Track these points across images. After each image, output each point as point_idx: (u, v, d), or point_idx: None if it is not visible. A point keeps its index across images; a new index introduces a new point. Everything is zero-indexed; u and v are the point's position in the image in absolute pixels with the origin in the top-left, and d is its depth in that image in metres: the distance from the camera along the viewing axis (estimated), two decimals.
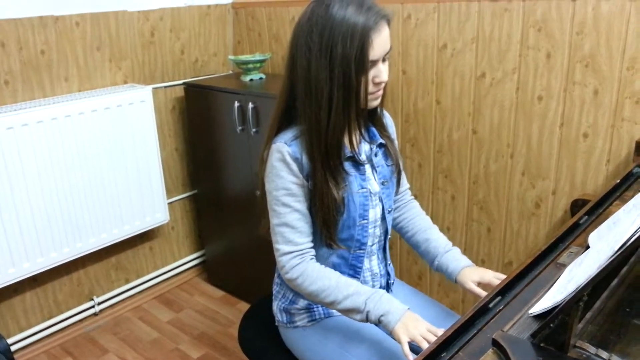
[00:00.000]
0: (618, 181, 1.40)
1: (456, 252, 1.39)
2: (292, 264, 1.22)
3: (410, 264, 2.36)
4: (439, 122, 2.08)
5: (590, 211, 1.26)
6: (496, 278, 1.29)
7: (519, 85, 1.83)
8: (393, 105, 2.18)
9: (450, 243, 1.42)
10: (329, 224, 1.23)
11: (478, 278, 1.30)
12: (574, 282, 0.79)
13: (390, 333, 1.13)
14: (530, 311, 0.83)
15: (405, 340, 1.09)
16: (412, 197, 1.53)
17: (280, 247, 1.23)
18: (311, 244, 1.25)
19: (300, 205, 1.22)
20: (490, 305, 0.91)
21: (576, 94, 1.72)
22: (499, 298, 0.93)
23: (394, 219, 1.50)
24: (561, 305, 0.73)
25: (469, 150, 2.03)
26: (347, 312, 1.19)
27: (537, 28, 1.74)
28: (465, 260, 1.36)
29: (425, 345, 1.05)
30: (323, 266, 1.24)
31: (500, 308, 0.91)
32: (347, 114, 1.17)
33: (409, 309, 1.15)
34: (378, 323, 1.15)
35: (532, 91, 1.81)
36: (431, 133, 2.11)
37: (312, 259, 1.24)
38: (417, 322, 1.12)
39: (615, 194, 1.36)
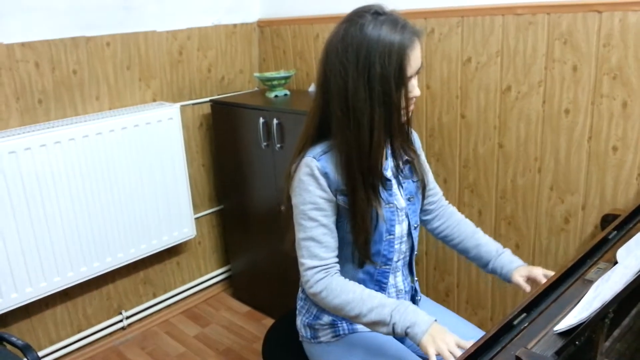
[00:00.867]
0: None
1: (509, 253, 1.42)
2: (317, 278, 1.21)
3: (437, 281, 2.33)
4: (464, 137, 2.06)
5: (619, 226, 1.23)
6: (545, 276, 1.30)
7: (545, 98, 1.81)
8: (418, 120, 2.17)
9: (500, 245, 1.44)
10: (368, 241, 1.24)
11: (526, 272, 1.33)
12: (599, 298, 0.77)
13: (418, 345, 1.12)
14: (555, 328, 0.81)
15: (433, 354, 1.08)
16: (448, 202, 1.53)
17: (305, 261, 1.23)
18: (336, 259, 1.25)
19: (327, 220, 1.22)
20: (515, 322, 0.90)
21: (604, 106, 1.69)
22: (524, 315, 0.92)
23: (436, 228, 1.50)
24: (586, 322, 0.71)
25: (495, 165, 2.01)
26: (372, 324, 1.17)
27: (563, 41, 1.72)
28: (518, 261, 1.39)
29: (450, 358, 1.04)
30: (347, 280, 1.23)
31: (525, 325, 0.89)
32: (389, 131, 1.19)
33: (436, 320, 1.14)
34: (405, 335, 1.13)
35: (558, 104, 1.79)
36: (456, 147, 2.10)
37: (336, 273, 1.24)
38: (445, 335, 1.10)
39: None
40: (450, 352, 1.06)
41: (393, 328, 1.14)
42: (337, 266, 1.25)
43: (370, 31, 1.12)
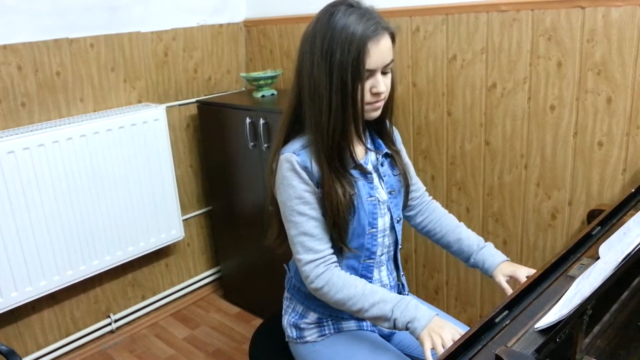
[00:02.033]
0: (633, 190, 1.37)
1: (490, 247, 1.40)
2: (317, 273, 1.21)
3: (427, 279, 2.33)
4: (450, 134, 2.06)
5: (603, 221, 1.23)
6: (526, 276, 1.28)
7: (531, 94, 1.81)
8: (404, 118, 2.17)
9: (482, 239, 1.42)
10: (339, 226, 1.23)
11: (510, 272, 1.31)
12: (579, 295, 0.76)
13: (417, 339, 1.13)
14: (535, 326, 0.81)
15: (427, 348, 1.10)
16: (431, 198, 1.52)
17: (301, 256, 1.22)
18: (331, 250, 1.25)
19: (316, 212, 1.22)
20: (497, 319, 0.89)
21: (589, 102, 1.69)
22: (506, 312, 0.91)
23: (419, 223, 1.50)
24: (565, 319, 0.71)
25: (482, 162, 2.01)
26: (374, 319, 1.19)
27: (547, 37, 1.72)
28: (500, 256, 1.37)
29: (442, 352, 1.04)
30: (348, 274, 1.23)
31: (507, 322, 0.88)
32: (345, 118, 1.18)
33: (437, 315, 1.14)
34: (406, 329, 1.15)
35: (544, 100, 1.79)
36: (443, 145, 2.09)
37: (336, 266, 1.24)
38: (442, 329, 1.11)
39: (630, 203, 1.32)
40: (444, 347, 1.07)
41: (394, 323, 1.15)
42: (334, 257, 1.25)
43: (337, 19, 1.13)
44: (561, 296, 0.88)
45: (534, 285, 0.99)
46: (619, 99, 1.63)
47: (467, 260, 1.42)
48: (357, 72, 1.13)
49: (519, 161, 1.90)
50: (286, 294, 1.42)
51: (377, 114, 1.24)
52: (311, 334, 1.34)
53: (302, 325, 1.35)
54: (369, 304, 1.17)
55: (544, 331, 0.80)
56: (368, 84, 1.17)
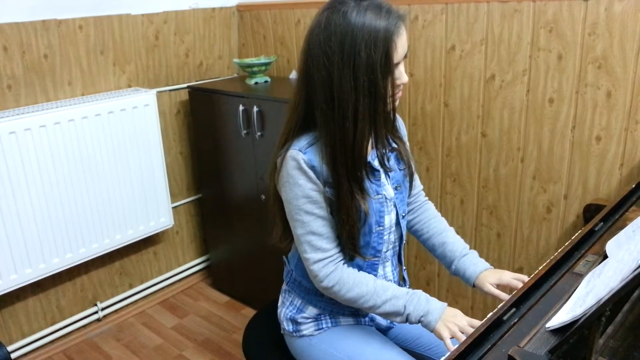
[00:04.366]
0: (633, 186, 1.36)
1: (473, 255, 1.36)
2: (326, 272, 1.19)
3: (419, 269, 2.32)
4: (447, 125, 2.04)
5: (605, 217, 1.22)
6: (515, 279, 1.26)
7: (530, 87, 1.79)
8: (400, 108, 2.14)
9: (467, 246, 1.39)
10: (354, 236, 1.20)
11: (496, 280, 1.28)
12: (593, 294, 0.75)
13: (433, 332, 1.16)
14: (547, 325, 0.79)
15: (447, 337, 1.12)
16: (427, 198, 1.49)
17: (309, 256, 1.20)
18: (339, 248, 1.22)
19: (323, 211, 1.19)
20: (505, 317, 0.88)
21: (588, 96, 1.68)
22: (513, 310, 0.89)
23: (408, 222, 1.47)
24: (581, 321, 0.69)
25: (478, 154, 1.99)
26: (386, 315, 1.21)
27: (548, 29, 1.71)
28: (482, 264, 1.33)
29: (463, 338, 1.02)
30: (356, 270, 1.22)
31: (515, 321, 0.87)
32: (374, 122, 1.14)
33: (447, 305, 1.17)
34: (419, 323, 1.17)
35: (542, 93, 1.77)
36: (439, 136, 2.07)
37: (344, 264, 1.22)
38: (456, 318, 1.14)
39: (631, 199, 1.31)
40: (463, 333, 1.11)
41: (407, 318, 1.17)
42: (342, 255, 1.23)
43: (354, 18, 1.07)
44: (570, 294, 0.87)
45: (540, 282, 0.98)
46: (619, 93, 1.62)
47: (449, 266, 1.39)
48: (387, 69, 1.09)
49: (516, 154, 1.89)
50: (285, 287, 1.39)
51: (396, 103, 1.22)
52: (308, 328, 1.32)
53: (300, 320, 1.33)
54: (381, 300, 1.18)
55: (555, 331, 0.78)
56: (394, 78, 1.13)
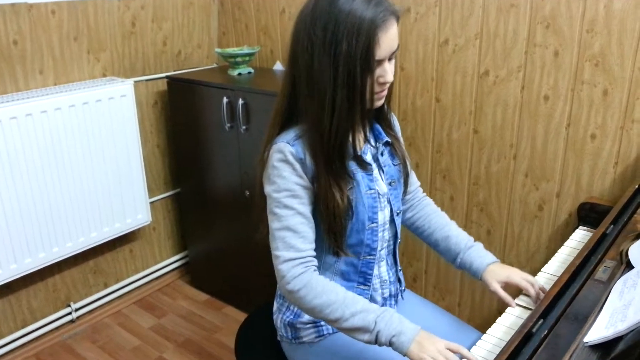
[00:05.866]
0: (637, 186, 1.35)
1: (479, 247, 1.31)
2: (294, 273, 1.10)
3: (405, 267, 2.29)
4: (438, 121, 2.00)
5: (614, 220, 1.20)
6: (524, 280, 1.21)
7: (525, 83, 1.77)
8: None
9: (471, 238, 1.34)
10: (335, 231, 1.14)
11: (504, 278, 1.23)
12: (634, 307, 0.71)
13: (405, 354, 1.03)
14: (585, 340, 0.76)
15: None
16: (425, 194, 1.45)
17: (280, 253, 1.11)
18: (314, 253, 1.15)
19: (304, 208, 1.12)
20: (534, 329, 0.84)
21: (584, 93, 1.67)
22: (541, 321, 0.86)
23: (408, 219, 1.42)
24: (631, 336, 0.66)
25: (469, 151, 1.96)
26: (352, 330, 1.07)
27: (545, 25, 1.68)
28: (489, 257, 1.29)
29: None
30: (328, 279, 1.13)
31: (545, 333, 0.83)
32: (351, 116, 1.08)
33: (421, 329, 1.05)
34: (389, 345, 1.04)
35: (537, 90, 1.75)
36: (430, 132, 2.04)
37: (315, 270, 1.13)
38: (434, 340, 1.02)
39: (637, 200, 1.30)
40: (445, 358, 1.00)
41: (377, 336, 1.04)
42: (315, 261, 1.14)
43: (341, 4, 1.01)
44: (602, 305, 0.83)
45: (562, 290, 0.95)
46: (616, 91, 1.61)
47: (453, 260, 1.34)
48: (367, 64, 1.03)
49: (508, 151, 1.87)
50: (279, 291, 1.33)
51: (381, 102, 1.16)
52: (308, 335, 1.26)
53: (298, 325, 1.27)
54: (350, 312, 1.06)
55: (596, 347, 0.75)
56: (376, 74, 1.07)
